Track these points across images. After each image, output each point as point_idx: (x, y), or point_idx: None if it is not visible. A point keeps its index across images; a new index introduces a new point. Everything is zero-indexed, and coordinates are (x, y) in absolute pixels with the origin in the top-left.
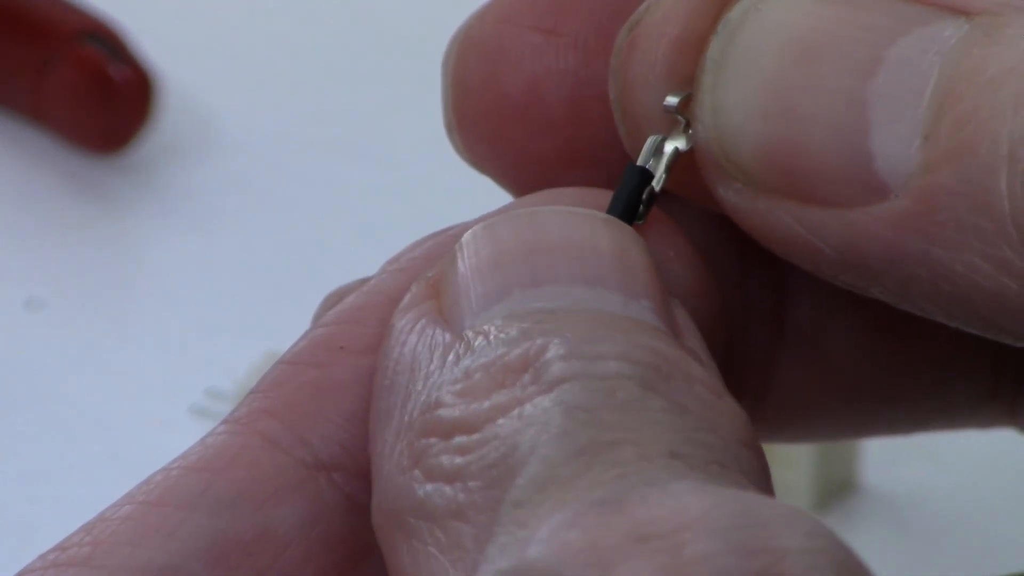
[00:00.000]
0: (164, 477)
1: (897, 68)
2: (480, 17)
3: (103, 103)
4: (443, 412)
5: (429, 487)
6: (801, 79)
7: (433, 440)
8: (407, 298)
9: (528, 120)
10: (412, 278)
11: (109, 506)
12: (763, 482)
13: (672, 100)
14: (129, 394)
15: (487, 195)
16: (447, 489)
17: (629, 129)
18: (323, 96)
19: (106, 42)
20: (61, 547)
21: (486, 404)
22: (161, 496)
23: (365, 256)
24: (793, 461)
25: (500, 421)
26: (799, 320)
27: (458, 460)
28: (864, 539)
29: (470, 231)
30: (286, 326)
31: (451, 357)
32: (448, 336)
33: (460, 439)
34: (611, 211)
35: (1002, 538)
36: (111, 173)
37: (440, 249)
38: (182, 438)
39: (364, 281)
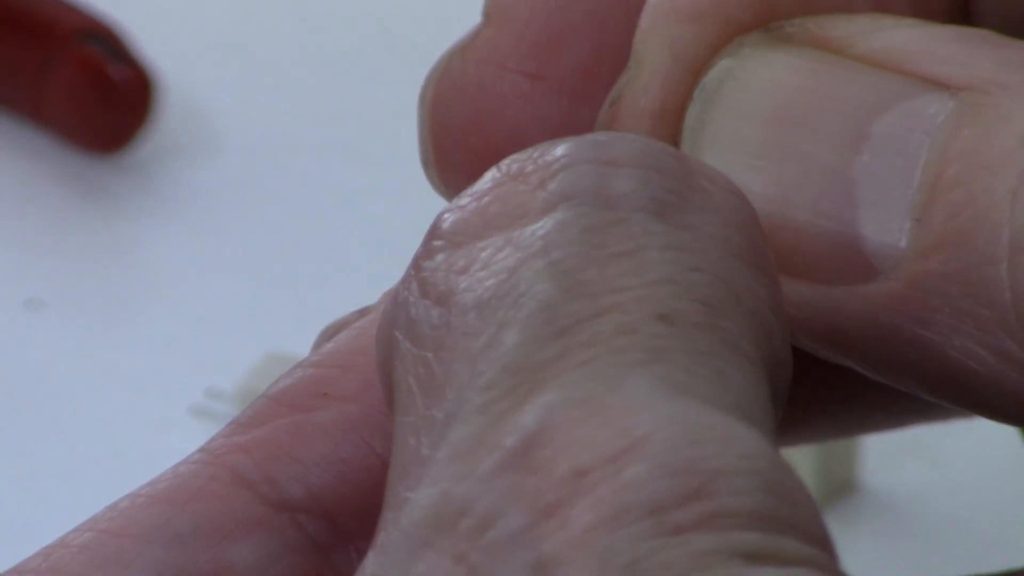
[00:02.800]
0: (129, 504)
1: (883, 146)
2: (460, 55)
3: (103, 103)
4: (449, 216)
5: (420, 303)
6: (782, 153)
7: (438, 243)
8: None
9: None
10: None
11: (71, 530)
12: (764, 314)
13: None
14: (129, 394)
15: None
16: (435, 312)
17: None
18: (323, 96)
19: (106, 42)
20: (18, 570)
21: (488, 211)
22: (122, 526)
23: (366, 256)
24: (793, 461)
25: (498, 242)
26: None
27: (453, 280)
28: (864, 539)
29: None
30: (286, 326)
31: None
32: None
33: (462, 251)
34: None
35: (1002, 538)
36: (111, 173)
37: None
38: (182, 438)
39: (362, 312)
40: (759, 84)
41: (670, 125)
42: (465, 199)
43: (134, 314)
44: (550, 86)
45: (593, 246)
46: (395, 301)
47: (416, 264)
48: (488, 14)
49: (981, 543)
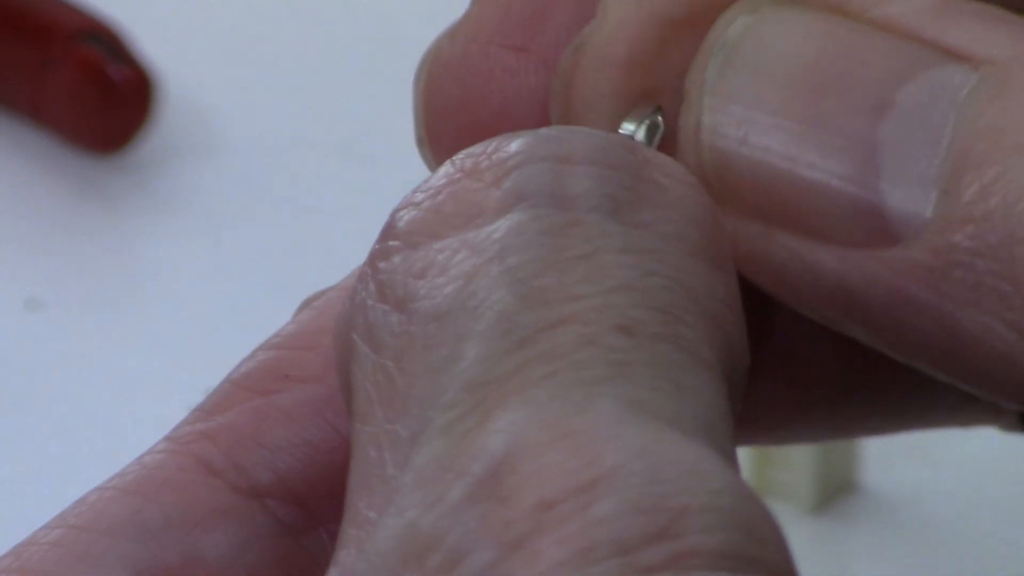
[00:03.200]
0: (97, 498)
1: (908, 114)
2: (450, 37)
3: (103, 103)
4: (404, 214)
5: (379, 307)
6: (804, 115)
7: (394, 243)
8: None
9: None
10: None
11: (40, 528)
12: (718, 313)
13: (629, 127)
14: (129, 394)
15: None
16: (394, 319)
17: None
18: (323, 96)
19: (106, 42)
20: None
21: (445, 208)
22: (91, 520)
23: (365, 256)
24: (792, 461)
25: (454, 244)
26: (783, 326)
27: (410, 283)
28: (864, 539)
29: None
30: None
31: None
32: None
33: (420, 252)
34: None
35: (1002, 539)
36: (111, 173)
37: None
38: None
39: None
40: (781, 44)
41: (636, 76)
42: (419, 195)
43: (134, 314)
44: (535, 59)
45: (550, 250)
46: (352, 302)
47: (373, 264)
48: None
49: (981, 543)
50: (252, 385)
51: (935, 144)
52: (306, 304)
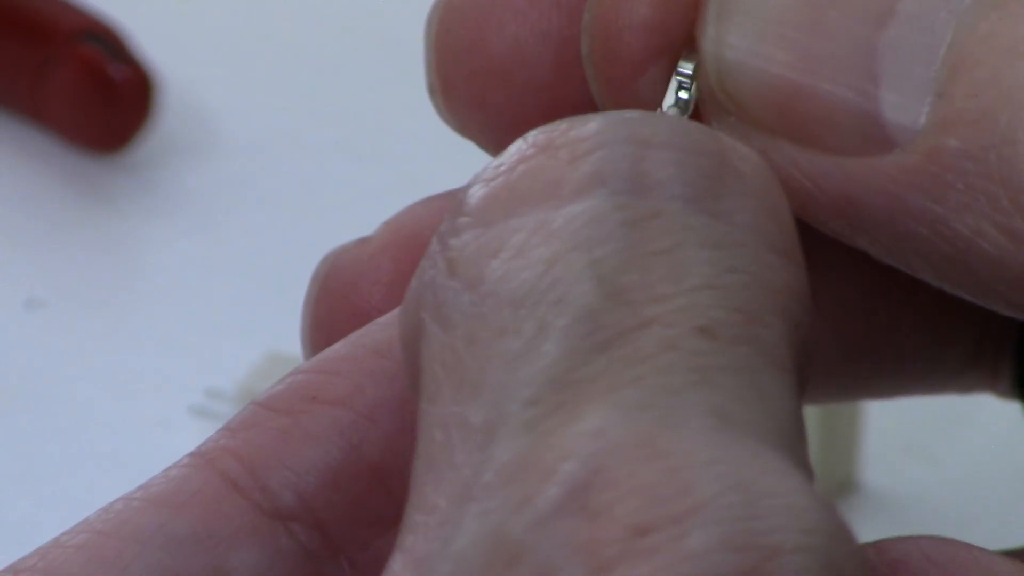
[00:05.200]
0: (124, 507)
1: (909, 22)
2: (334, 260)
3: (103, 103)
4: (477, 190)
5: (449, 284)
6: (810, 21)
7: (464, 220)
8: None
9: (512, 82)
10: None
11: (65, 531)
12: (795, 311)
13: (688, 66)
14: (129, 394)
15: None
16: (465, 298)
17: (605, 86)
18: (323, 96)
19: (106, 42)
20: (13, 569)
21: (517, 179)
22: (117, 527)
23: None
24: None
25: (530, 224)
26: None
27: (483, 262)
28: (864, 538)
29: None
30: (286, 326)
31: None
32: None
33: (492, 230)
34: None
35: (1002, 538)
36: (111, 173)
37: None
38: (182, 438)
39: (363, 241)
40: None
41: (670, 5)
42: (491, 172)
43: (134, 314)
44: (547, 2)
45: (632, 243)
46: (420, 280)
47: (442, 241)
48: None
49: (981, 543)
50: (278, 406)
51: (933, 51)
52: (324, 261)
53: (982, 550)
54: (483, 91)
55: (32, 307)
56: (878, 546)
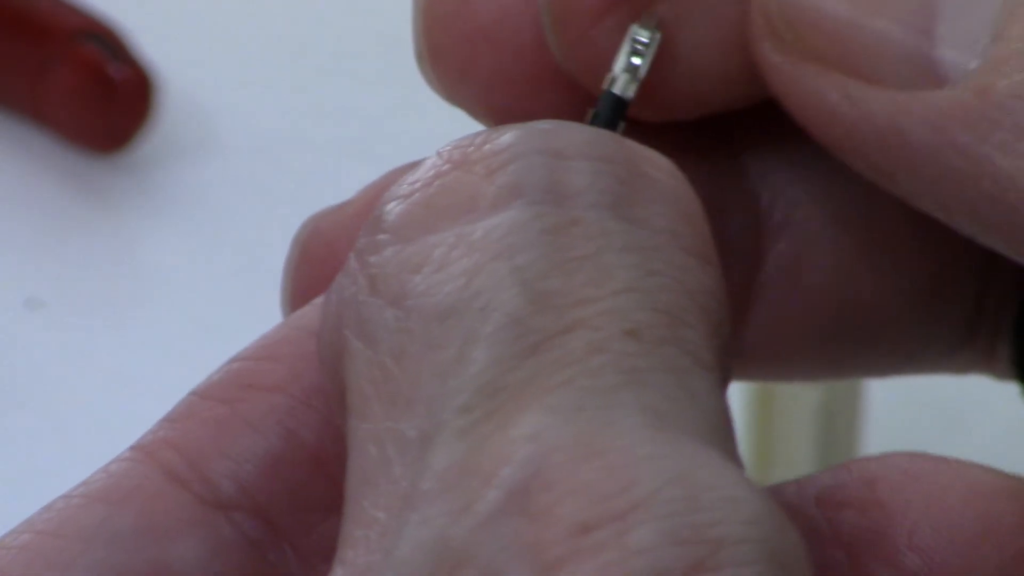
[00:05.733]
0: (65, 505)
1: None
2: (313, 224)
3: (103, 103)
4: (394, 207)
5: (372, 301)
6: None
7: (383, 237)
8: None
9: (499, 46)
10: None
11: (8, 532)
12: (714, 314)
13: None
14: (129, 394)
15: None
16: (389, 314)
17: (560, 35)
18: (323, 96)
19: (106, 42)
20: None
21: (432, 193)
22: (59, 526)
23: None
24: (793, 460)
25: (450, 238)
26: (778, 256)
27: (405, 278)
28: None
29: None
30: None
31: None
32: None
33: (414, 243)
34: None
35: None
36: (111, 173)
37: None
38: None
39: (344, 205)
40: None
41: None
42: (407, 187)
43: (134, 314)
44: None
45: (554, 249)
46: (340, 297)
47: (361, 258)
48: None
49: None
50: (216, 395)
51: None
52: (306, 225)
53: (961, 461)
54: (471, 56)
55: (32, 307)
56: (851, 466)
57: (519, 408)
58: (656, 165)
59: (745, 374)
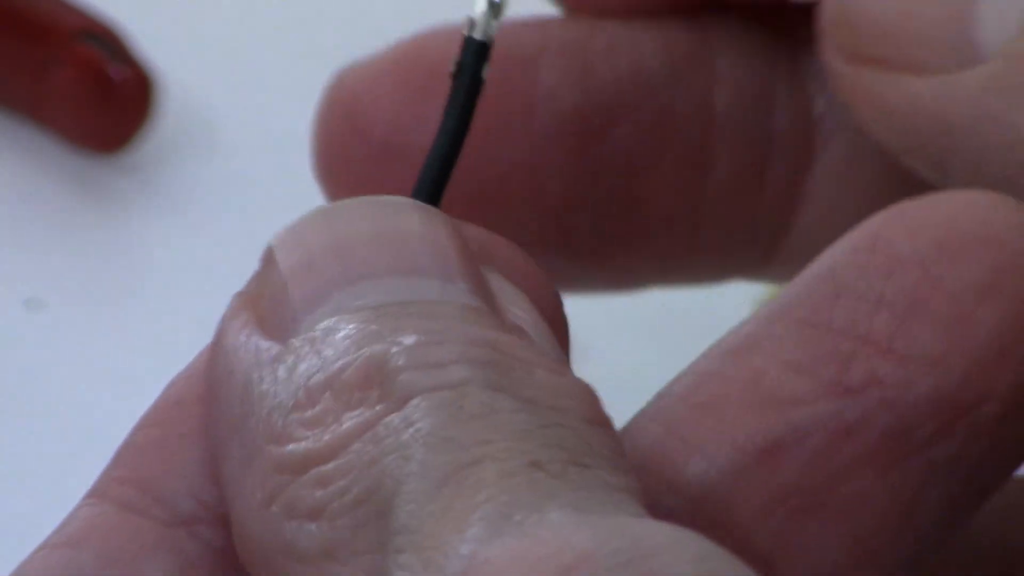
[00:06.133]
0: (29, 561)
1: None
2: (341, 76)
3: (103, 103)
4: (294, 448)
5: (293, 525)
6: None
7: (287, 477)
8: (226, 313)
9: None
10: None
11: None
12: (618, 460)
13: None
14: (129, 394)
15: None
16: (312, 527)
17: None
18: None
19: (106, 42)
20: None
21: (339, 431)
22: None
23: None
24: None
25: (355, 447)
26: (828, 161)
27: (319, 494)
28: None
29: (277, 235)
30: None
31: (282, 371)
32: (275, 347)
33: (317, 470)
34: (420, 183)
35: None
36: (111, 173)
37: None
38: None
39: (372, 58)
40: None
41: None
42: (301, 430)
43: (134, 314)
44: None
45: (447, 414)
46: (263, 527)
47: (272, 497)
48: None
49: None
50: (148, 421)
51: None
52: (332, 79)
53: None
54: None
55: (32, 307)
56: (627, 431)
57: (441, 534)
58: (520, 305)
59: (786, 279)
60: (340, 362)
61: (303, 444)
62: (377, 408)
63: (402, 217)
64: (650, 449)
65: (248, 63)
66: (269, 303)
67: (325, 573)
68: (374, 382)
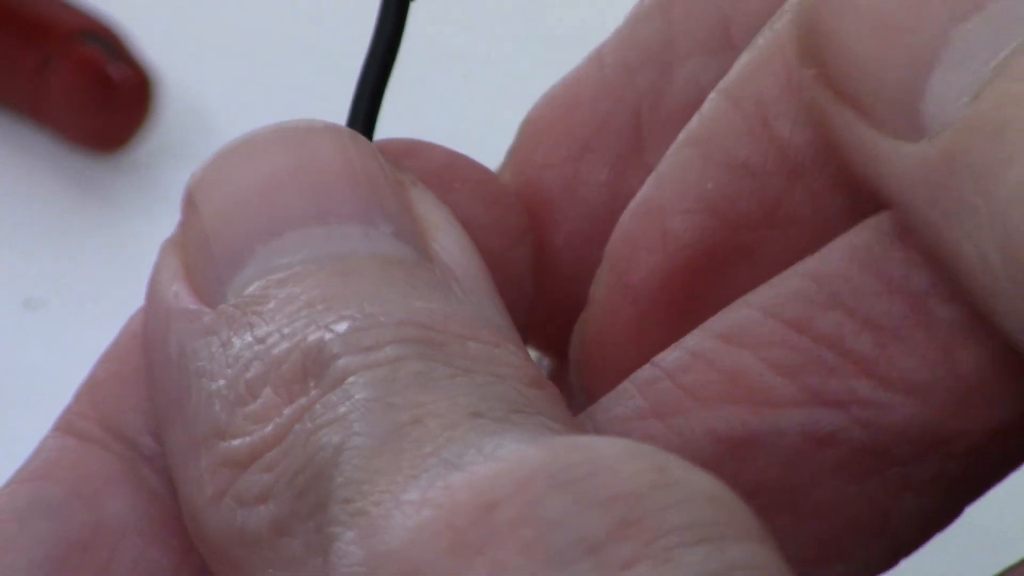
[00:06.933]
0: (0, 493)
1: (990, 20)
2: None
3: (103, 103)
4: (237, 443)
5: (244, 512)
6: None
7: (236, 471)
8: (156, 262)
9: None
10: None
11: None
12: (564, 417)
13: None
14: None
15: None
16: (262, 509)
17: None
18: (323, 96)
19: (106, 42)
20: None
21: (280, 421)
22: None
23: None
24: None
25: (296, 427)
26: None
27: (266, 478)
28: None
29: (195, 175)
30: None
31: (216, 347)
32: (206, 313)
33: (262, 459)
34: (353, 110)
35: (1002, 538)
36: (111, 173)
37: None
38: None
39: (556, 94)
40: None
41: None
42: (245, 424)
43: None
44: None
45: (385, 384)
46: (216, 519)
47: (222, 492)
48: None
49: (980, 548)
50: (108, 357)
51: (995, 54)
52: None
53: None
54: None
55: (32, 307)
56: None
57: (392, 483)
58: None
59: None
60: (276, 351)
61: (248, 439)
62: (313, 393)
63: (320, 147)
64: (626, 422)
65: (248, 63)
66: (194, 253)
67: (279, 550)
68: (311, 373)
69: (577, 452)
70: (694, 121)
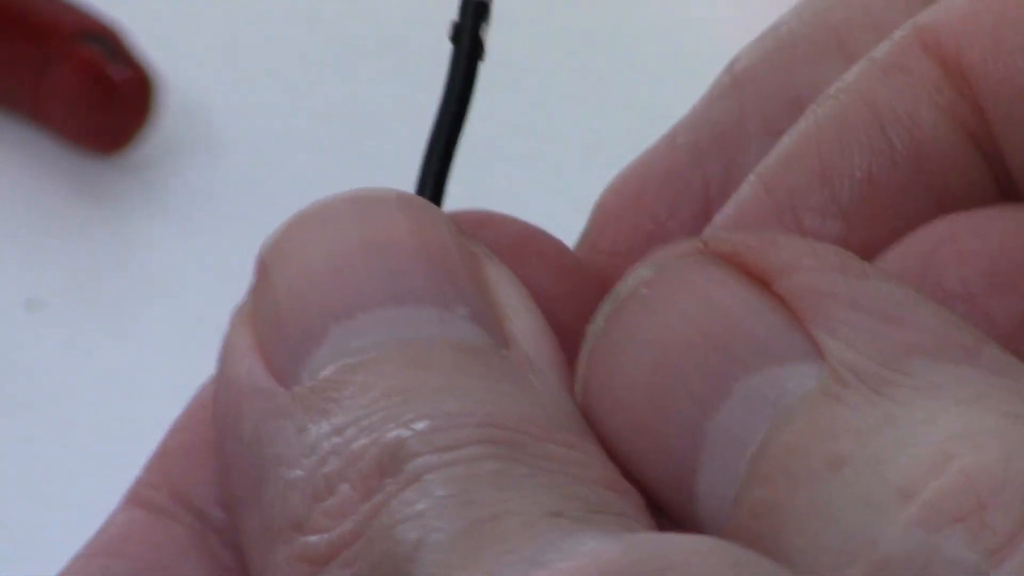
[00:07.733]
0: (68, 568)
1: (737, 408)
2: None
3: (103, 103)
4: (315, 539)
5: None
6: (653, 398)
7: (315, 568)
8: (227, 332)
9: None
10: None
11: None
12: (645, 520)
13: None
14: (129, 394)
15: (486, 197)
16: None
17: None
18: (323, 96)
19: (106, 42)
20: None
21: (357, 518)
22: None
23: None
24: None
25: (373, 523)
26: None
27: (344, 574)
28: None
29: (268, 244)
30: None
31: (291, 432)
32: (281, 394)
33: (341, 556)
34: (423, 173)
35: None
36: (111, 173)
37: None
38: None
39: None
40: (662, 312)
41: None
42: (324, 520)
43: (134, 314)
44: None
45: (463, 482)
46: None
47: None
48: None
49: None
50: (177, 427)
51: (748, 446)
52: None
53: None
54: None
55: (32, 307)
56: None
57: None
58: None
59: None
60: (354, 445)
61: (326, 536)
62: (389, 489)
63: (393, 220)
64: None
65: (248, 63)
66: (267, 327)
67: None
68: (387, 470)
69: (657, 546)
70: (729, 205)
